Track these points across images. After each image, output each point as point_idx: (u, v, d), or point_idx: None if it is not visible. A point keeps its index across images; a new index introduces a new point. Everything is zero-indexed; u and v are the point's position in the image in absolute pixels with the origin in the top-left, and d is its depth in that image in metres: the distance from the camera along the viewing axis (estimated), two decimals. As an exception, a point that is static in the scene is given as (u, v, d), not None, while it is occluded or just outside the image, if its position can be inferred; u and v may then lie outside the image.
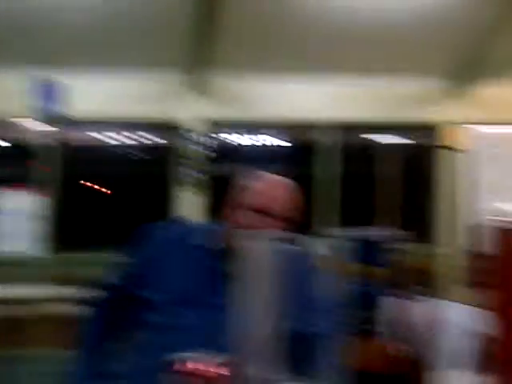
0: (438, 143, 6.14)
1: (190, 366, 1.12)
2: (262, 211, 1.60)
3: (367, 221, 5.90)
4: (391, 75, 5.73)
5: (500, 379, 1.45)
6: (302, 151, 6.08)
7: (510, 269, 1.48)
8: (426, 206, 6.16)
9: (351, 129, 6.05)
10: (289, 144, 6.16)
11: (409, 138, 6.36)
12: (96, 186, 6.21)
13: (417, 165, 6.33)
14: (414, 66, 5.63)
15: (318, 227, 5.59)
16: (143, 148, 5.99)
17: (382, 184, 6.10)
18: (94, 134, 5.96)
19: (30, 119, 5.32)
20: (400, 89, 5.89)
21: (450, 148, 6.04)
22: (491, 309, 1.48)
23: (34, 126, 5.38)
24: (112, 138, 6.00)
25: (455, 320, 2.21)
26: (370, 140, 6.31)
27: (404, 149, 6.30)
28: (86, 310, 1.72)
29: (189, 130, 5.57)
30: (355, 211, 5.93)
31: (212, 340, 1.12)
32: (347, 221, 5.74)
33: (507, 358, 1.47)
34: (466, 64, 5.65)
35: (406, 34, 5.12)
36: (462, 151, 6.02)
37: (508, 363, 1.46)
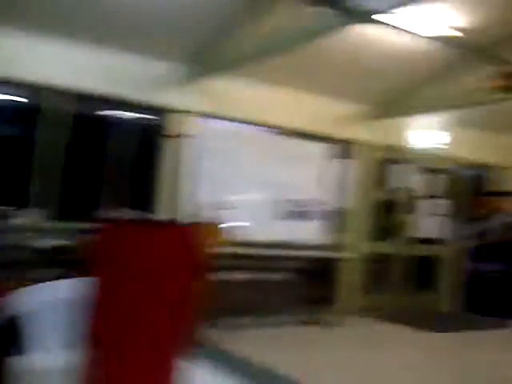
0: (167, 127, 6.23)
1: None
2: None
3: (91, 189, 5.85)
4: (134, 54, 5.70)
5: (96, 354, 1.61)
6: (29, 112, 5.67)
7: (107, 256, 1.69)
8: (150, 185, 6.23)
9: (86, 99, 5.81)
10: (16, 103, 5.65)
11: (142, 118, 6.34)
12: None
13: (146, 144, 6.35)
14: (159, 50, 5.69)
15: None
16: None
17: (109, 157, 6.01)
18: None
19: None
20: (139, 69, 5.85)
21: (176, 134, 6.16)
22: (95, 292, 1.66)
23: None
24: None
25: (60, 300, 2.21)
26: (105, 114, 6.16)
27: (136, 127, 6.27)
28: None
29: None
30: (76, 180, 5.83)
31: None
32: (67, 187, 5.67)
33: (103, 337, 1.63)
34: (202, 55, 5.80)
35: (153, 15, 5.09)
36: (187, 138, 6.17)
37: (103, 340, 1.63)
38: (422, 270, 8.41)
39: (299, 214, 6.83)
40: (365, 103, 7.29)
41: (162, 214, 5.99)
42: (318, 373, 4.45)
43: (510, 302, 7.46)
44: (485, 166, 8.94)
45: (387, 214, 8.00)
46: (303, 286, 6.74)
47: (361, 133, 7.42)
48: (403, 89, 6.94)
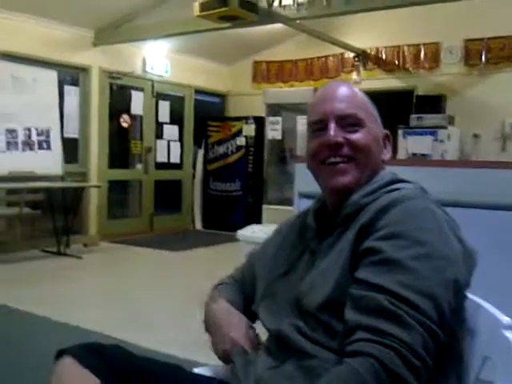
0: None
1: None
2: None
3: None
4: None
5: None
6: None
7: None
8: None
9: None
10: None
11: None
12: None
13: None
14: None
15: None
16: None
17: None
18: None
19: None
20: None
21: None
22: None
23: None
24: None
25: None
26: None
27: None
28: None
29: None
30: None
31: None
32: None
33: None
34: None
35: None
36: None
37: None
38: (168, 194, 8.81)
39: (36, 143, 6.57)
40: (90, 27, 7.18)
41: None
42: (68, 303, 4.51)
43: (235, 218, 8.29)
44: (216, 93, 9.48)
45: (125, 141, 8.13)
46: (46, 218, 6.63)
47: (91, 58, 7.31)
48: (126, 13, 6.95)
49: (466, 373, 1.17)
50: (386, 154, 1.33)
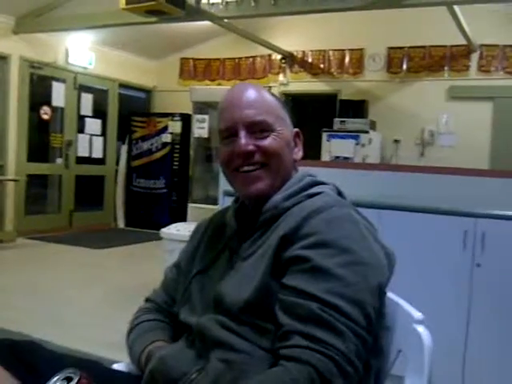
0: None
1: None
2: None
3: None
4: None
5: None
6: None
7: None
8: None
9: None
10: None
11: None
12: None
13: None
14: None
15: None
16: None
17: None
18: None
19: None
20: None
21: None
22: None
23: None
24: None
25: None
26: None
27: None
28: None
29: None
30: None
31: None
32: None
33: None
34: None
35: None
36: None
37: None
38: (89, 190, 8.58)
39: None
40: (10, 14, 6.88)
41: None
42: None
43: (159, 216, 8.22)
44: (142, 88, 9.35)
45: (45, 134, 7.85)
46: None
47: (11, 47, 7.01)
48: (49, 1, 6.71)
49: (385, 366, 1.21)
50: (298, 153, 1.33)
